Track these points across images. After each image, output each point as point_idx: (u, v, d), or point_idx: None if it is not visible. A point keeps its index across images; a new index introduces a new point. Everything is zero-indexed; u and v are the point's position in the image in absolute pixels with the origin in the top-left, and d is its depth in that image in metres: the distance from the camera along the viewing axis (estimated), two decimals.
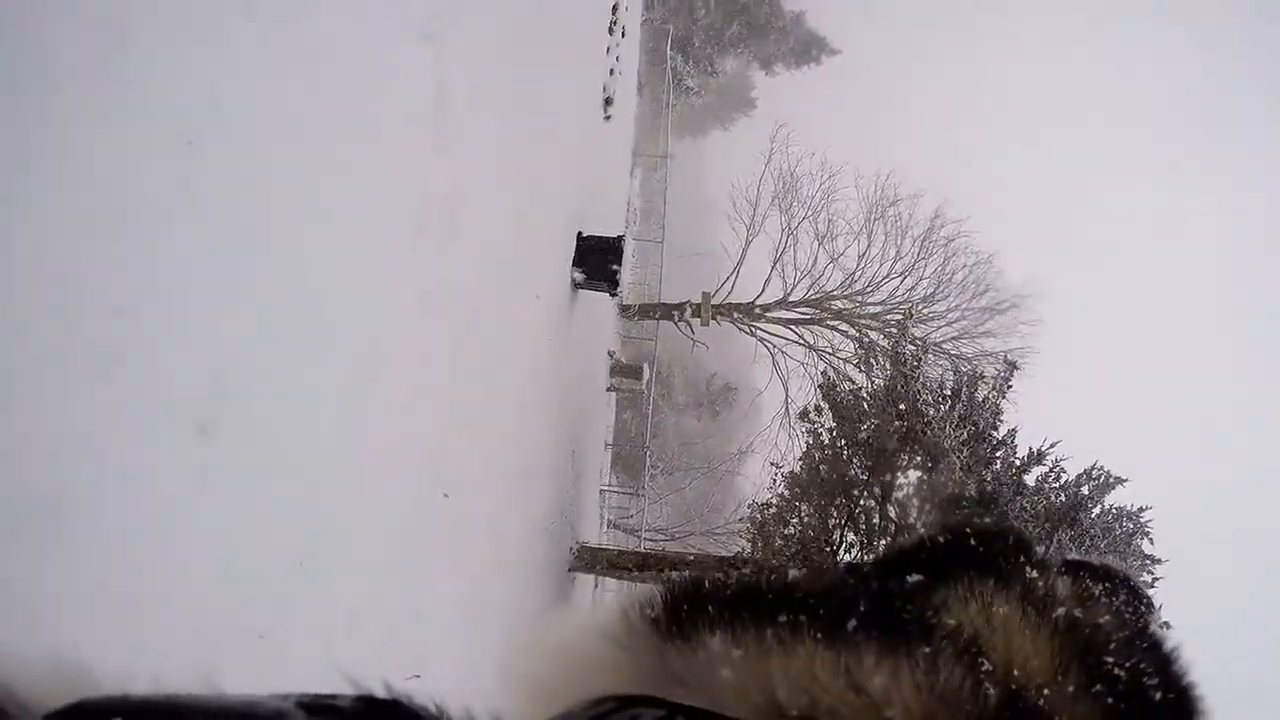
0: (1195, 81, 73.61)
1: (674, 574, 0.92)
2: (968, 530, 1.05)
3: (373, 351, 3.98)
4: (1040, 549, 1.08)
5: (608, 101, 15.55)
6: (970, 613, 0.86)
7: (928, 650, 0.76)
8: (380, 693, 0.78)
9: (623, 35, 17.36)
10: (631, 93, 23.58)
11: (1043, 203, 69.68)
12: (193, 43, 2.32)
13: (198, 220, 2.30)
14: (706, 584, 0.88)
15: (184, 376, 2.22)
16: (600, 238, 12.49)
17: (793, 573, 0.97)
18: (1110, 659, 0.84)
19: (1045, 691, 0.78)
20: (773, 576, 0.93)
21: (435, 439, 5.29)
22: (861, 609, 0.80)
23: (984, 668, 0.77)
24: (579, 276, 12.34)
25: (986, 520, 1.24)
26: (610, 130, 16.77)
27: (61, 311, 1.80)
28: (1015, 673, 0.79)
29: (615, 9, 16.45)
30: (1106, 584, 1.05)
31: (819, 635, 0.77)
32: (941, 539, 1.05)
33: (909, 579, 0.92)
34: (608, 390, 21.18)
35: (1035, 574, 0.96)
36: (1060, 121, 75.10)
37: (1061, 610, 0.88)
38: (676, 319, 23.86)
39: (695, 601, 0.85)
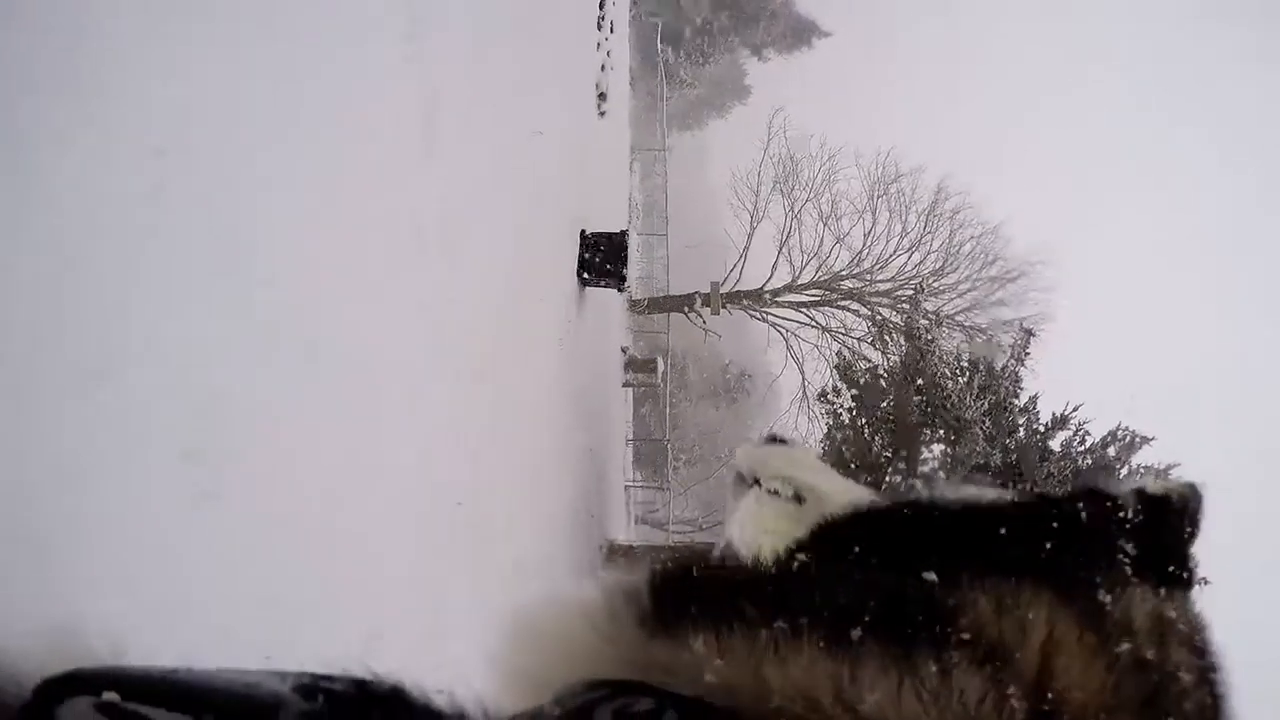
0: (1193, 29, 73.00)
1: (659, 562, 0.91)
2: (1041, 524, 0.90)
3: (374, 363, 3.90)
4: (1125, 552, 0.92)
5: (601, 97, 15.46)
6: (1003, 626, 0.76)
7: (935, 668, 0.69)
8: (368, 676, 0.76)
9: (611, 30, 17.26)
10: (625, 88, 23.48)
11: (1047, 165, 69.35)
12: (160, 49, 2.24)
13: (175, 233, 2.22)
14: (695, 574, 0.83)
15: (172, 395, 2.13)
16: (604, 234, 12.42)
17: (798, 560, 0.91)
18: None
19: None
20: (772, 571, 0.87)
21: (447, 447, 5.21)
22: (868, 617, 0.73)
23: (1010, 691, 0.69)
24: (585, 274, 12.27)
25: (1065, 502, 1.00)
26: (606, 126, 16.68)
27: (36, 330, 1.71)
28: (1048, 699, 0.71)
29: (602, 4, 16.34)
30: (1147, 512, 0.97)
31: (820, 643, 0.71)
32: (1004, 529, 0.91)
33: (925, 576, 0.81)
34: (624, 386, 21.11)
35: (1108, 597, 0.83)
36: (1057, 79, 74.54)
37: (1127, 646, 0.77)
38: (687, 310, 23.82)
39: (682, 597, 0.79)
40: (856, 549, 0.97)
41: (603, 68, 15.71)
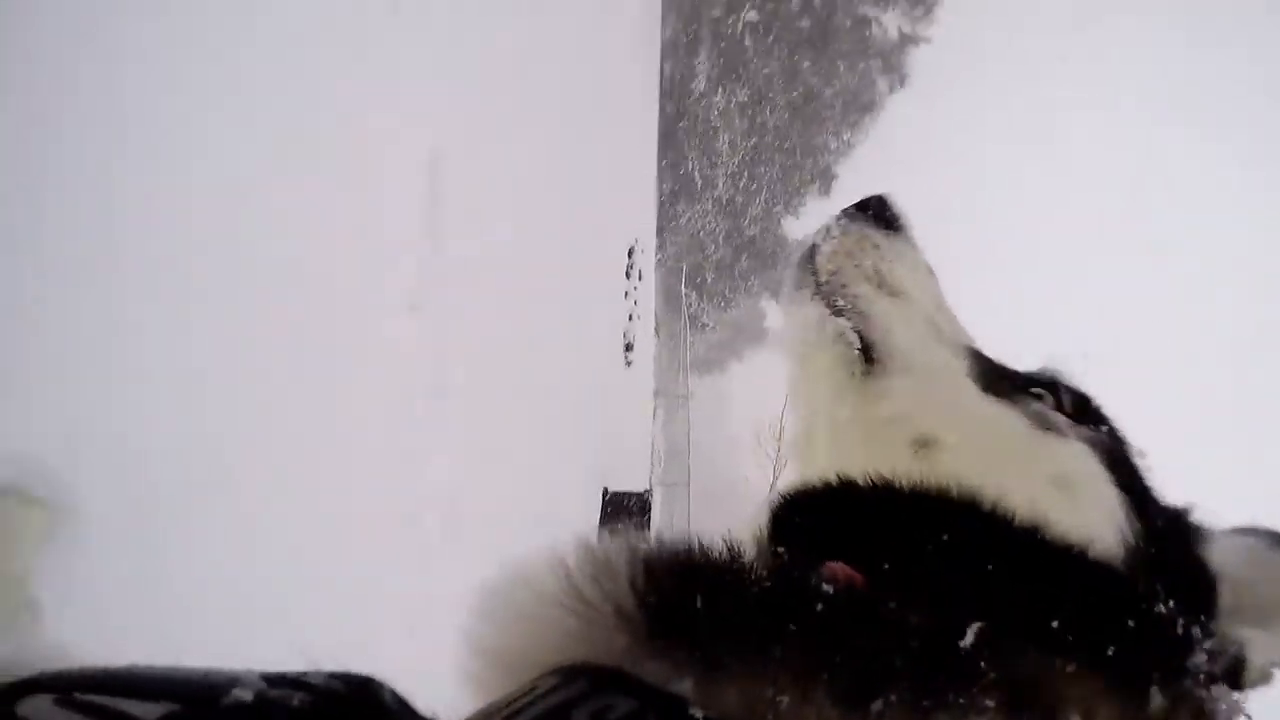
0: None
1: (639, 563, 0.72)
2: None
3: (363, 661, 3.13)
4: (1200, 667, 0.78)
5: (628, 348, 15.16)
6: (1038, 703, 0.67)
7: None
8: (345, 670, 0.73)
9: (640, 278, 17.14)
10: (650, 335, 23.55)
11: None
12: None
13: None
14: (692, 599, 0.70)
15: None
16: (626, 494, 11.99)
17: (821, 597, 0.71)
18: None
19: None
20: (790, 600, 0.71)
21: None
22: (895, 685, 0.63)
23: None
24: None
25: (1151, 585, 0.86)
26: (632, 376, 16.34)
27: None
28: None
29: (631, 253, 16.27)
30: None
31: (832, 706, 0.62)
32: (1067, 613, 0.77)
33: (969, 631, 0.69)
34: None
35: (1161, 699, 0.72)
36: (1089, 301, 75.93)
37: None
38: None
39: (672, 618, 0.69)
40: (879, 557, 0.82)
41: (630, 317, 15.47)
